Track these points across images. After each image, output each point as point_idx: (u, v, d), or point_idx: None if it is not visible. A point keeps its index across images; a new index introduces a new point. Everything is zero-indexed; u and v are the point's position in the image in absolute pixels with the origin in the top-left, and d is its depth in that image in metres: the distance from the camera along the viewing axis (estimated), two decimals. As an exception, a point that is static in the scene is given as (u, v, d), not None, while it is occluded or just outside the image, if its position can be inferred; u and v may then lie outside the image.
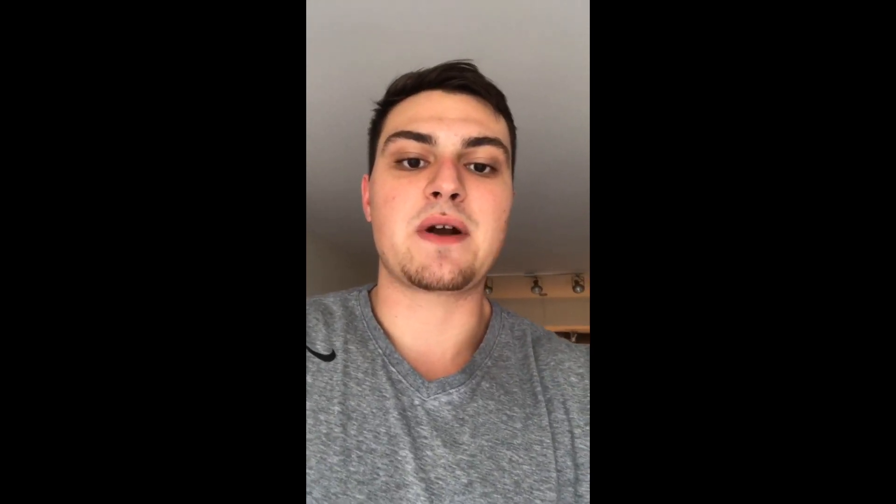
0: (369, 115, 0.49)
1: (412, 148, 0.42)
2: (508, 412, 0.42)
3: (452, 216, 0.40)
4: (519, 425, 0.42)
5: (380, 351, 0.45)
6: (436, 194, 0.40)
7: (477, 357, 0.46)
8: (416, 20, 1.02)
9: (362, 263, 3.70)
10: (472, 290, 0.47)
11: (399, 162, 0.42)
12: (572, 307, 5.16)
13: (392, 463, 0.38)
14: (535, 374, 0.46)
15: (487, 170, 0.43)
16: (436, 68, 0.44)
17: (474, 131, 0.41)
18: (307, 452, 0.38)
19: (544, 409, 0.43)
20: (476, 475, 0.39)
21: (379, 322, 0.47)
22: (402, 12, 0.99)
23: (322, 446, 0.39)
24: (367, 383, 0.42)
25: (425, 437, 0.40)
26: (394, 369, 0.43)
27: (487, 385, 0.44)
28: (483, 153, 0.42)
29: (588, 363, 0.46)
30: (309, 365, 0.43)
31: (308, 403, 0.41)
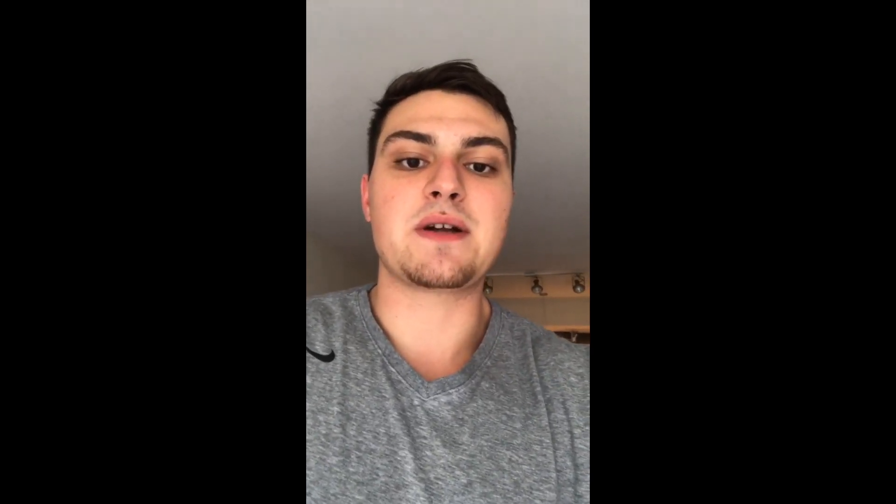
0: (369, 114, 0.49)
1: (412, 148, 0.42)
2: (508, 412, 0.42)
3: (452, 215, 0.40)
4: (518, 425, 0.42)
5: (379, 351, 0.45)
6: (435, 194, 0.40)
7: (476, 357, 0.45)
8: (417, 21, 1.02)
9: (362, 264, 3.70)
10: (472, 290, 0.46)
11: (398, 162, 0.42)
12: (573, 307, 5.16)
13: (391, 463, 0.38)
14: (535, 373, 0.46)
15: (487, 169, 0.43)
16: (435, 68, 0.44)
17: (474, 131, 0.41)
18: (306, 453, 0.38)
19: (544, 409, 0.43)
20: (475, 475, 0.39)
21: (378, 322, 0.47)
22: (402, 13, 0.99)
23: (321, 447, 0.39)
24: (367, 384, 0.42)
25: (425, 438, 0.40)
26: (393, 369, 0.43)
27: (487, 385, 0.44)
28: (483, 153, 0.42)
29: (588, 363, 0.46)
30: (308, 366, 0.43)
31: (307, 404, 0.41)
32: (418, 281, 0.40)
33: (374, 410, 0.41)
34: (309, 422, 0.40)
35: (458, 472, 0.38)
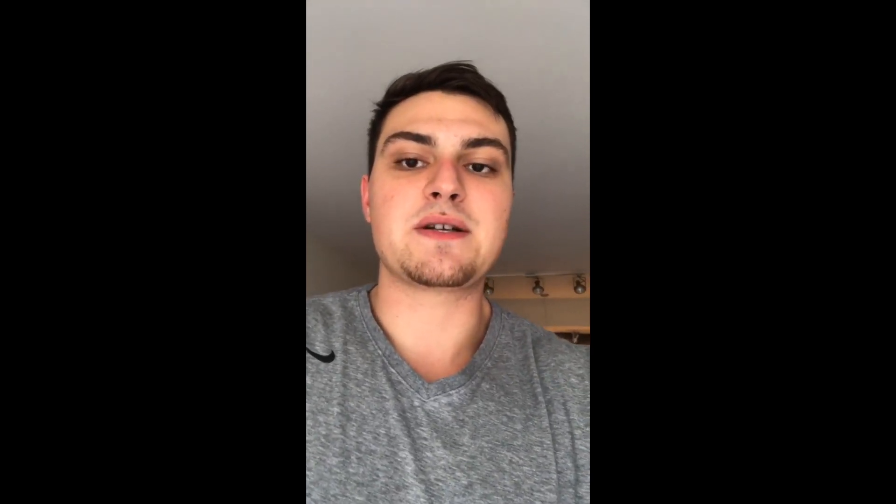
0: (369, 115, 0.49)
1: (411, 149, 0.42)
2: (508, 413, 0.42)
3: (452, 216, 0.40)
4: (519, 426, 0.42)
5: (379, 352, 0.45)
6: (435, 195, 0.40)
7: (477, 358, 0.45)
8: (417, 22, 1.02)
9: (362, 264, 3.70)
10: (473, 290, 0.46)
11: (398, 162, 0.42)
12: (574, 308, 5.15)
13: (392, 464, 0.38)
14: (536, 375, 0.45)
15: (486, 170, 0.43)
16: (435, 69, 0.44)
17: (474, 132, 0.41)
18: (306, 454, 0.38)
19: (544, 411, 0.43)
20: (476, 476, 0.38)
21: (378, 322, 0.47)
22: (402, 13, 0.99)
23: (321, 448, 0.39)
24: (367, 384, 0.42)
25: (425, 439, 0.40)
26: (393, 370, 0.43)
27: (487, 386, 0.44)
28: (482, 154, 0.42)
29: (588, 364, 0.46)
30: (308, 366, 0.43)
31: (307, 405, 0.41)
32: (418, 279, 0.40)
33: (374, 411, 0.41)
34: (309, 423, 0.40)
35: (458, 474, 0.38)
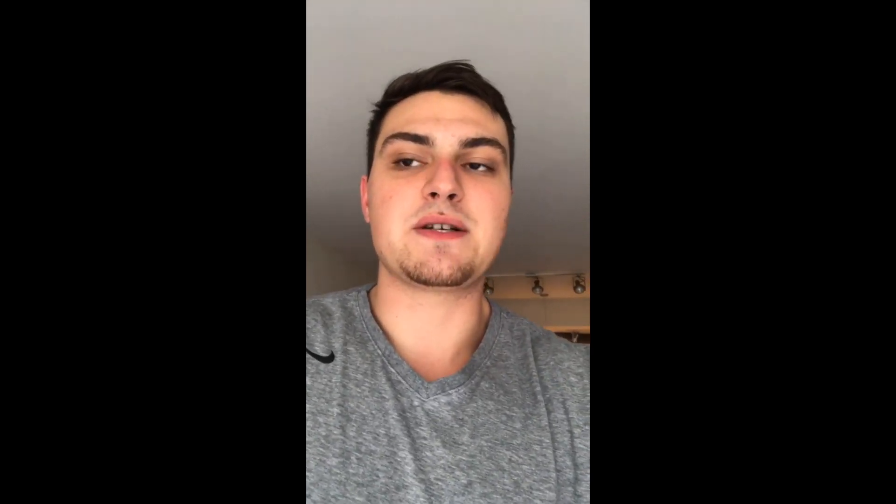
0: (369, 116, 0.49)
1: (410, 149, 0.42)
2: (508, 412, 0.42)
3: (450, 215, 0.40)
4: (518, 425, 0.42)
5: (379, 352, 0.45)
6: (434, 195, 0.40)
7: (476, 357, 0.45)
8: (417, 22, 1.02)
9: (362, 264, 3.70)
10: (472, 290, 0.46)
11: (397, 163, 0.43)
12: (573, 307, 5.16)
13: (391, 464, 0.38)
14: (535, 373, 0.45)
15: (484, 169, 0.43)
16: (433, 69, 0.44)
17: (472, 132, 0.41)
18: (306, 455, 0.38)
19: (544, 409, 0.43)
20: (476, 475, 0.38)
21: (378, 322, 0.47)
22: (402, 15, 1.00)
23: (321, 448, 0.39)
24: (367, 384, 0.42)
25: (425, 438, 0.40)
26: (393, 370, 0.43)
27: (487, 385, 0.44)
28: (480, 153, 0.42)
29: (587, 363, 0.46)
30: (308, 367, 0.43)
31: (307, 405, 0.41)
32: (417, 279, 0.40)
33: (373, 411, 0.41)
34: (309, 423, 0.40)
35: (458, 473, 0.38)
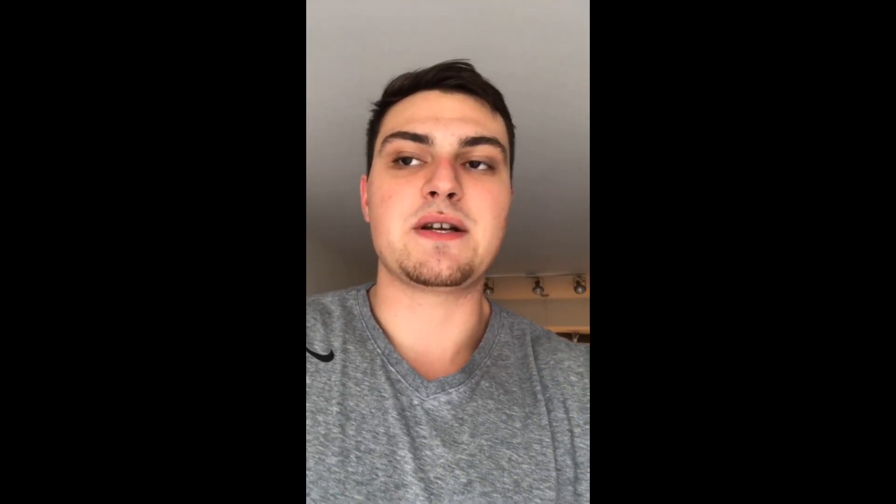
0: (368, 116, 0.49)
1: (409, 148, 0.42)
2: (508, 411, 0.42)
3: (450, 214, 0.40)
4: (518, 424, 0.42)
5: (378, 351, 0.45)
6: (433, 194, 0.40)
7: (476, 356, 0.45)
8: (417, 22, 1.02)
9: (363, 264, 3.70)
10: (472, 289, 0.46)
11: (396, 162, 0.43)
12: (574, 308, 5.15)
13: (391, 463, 0.38)
14: (535, 373, 0.45)
15: (484, 167, 0.43)
16: (432, 68, 0.44)
17: (471, 131, 0.41)
18: (305, 453, 0.38)
19: (544, 408, 0.43)
20: (475, 474, 0.38)
21: (378, 321, 0.47)
22: (402, 15, 1.00)
23: (320, 447, 0.39)
24: (366, 383, 0.42)
25: (424, 437, 0.40)
26: (393, 369, 0.43)
27: (487, 384, 0.44)
28: (480, 152, 0.42)
29: (587, 362, 0.46)
30: (307, 365, 0.43)
31: (306, 404, 0.41)
32: (416, 279, 0.40)
33: (373, 410, 0.41)
34: (308, 422, 0.40)
35: (457, 472, 0.38)
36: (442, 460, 0.39)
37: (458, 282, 0.41)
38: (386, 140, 0.43)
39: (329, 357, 0.44)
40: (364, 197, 0.49)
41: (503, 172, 0.44)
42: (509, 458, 0.40)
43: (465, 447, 0.40)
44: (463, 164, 0.42)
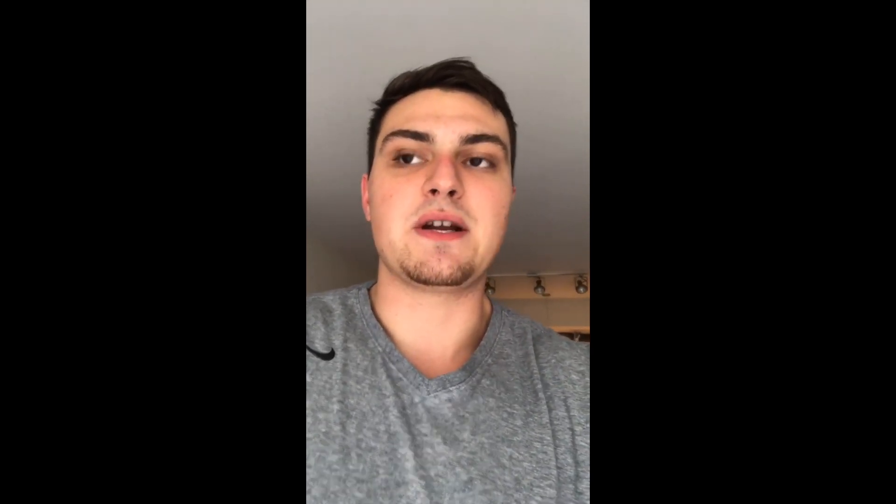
0: (369, 115, 0.49)
1: (410, 146, 0.42)
2: (509, 409, 0.42)
3: (451, 213, 0.40)
4: (519, 422, 0.42)
5: (379, 349, 0.45)
6: (434, 192, 0.40)
7: (477, 354, 0.45)
8: (417, 22, 1.02)
9: (363, 264, 3.70)
10: (473, 288, 0.47)
11: (397, 160, 0.43)
12: (575, 308, 5.15)
13: (392, 461, 0.38)
14: (536, 371, 0.46)
15: (485, 164, 0.43)
16: (433, 67, 0.44)
17: (472, 128, 0.41)
18: (306, 451, 0.38)
19: (545, 407, 0.43)
20: (476, 472, 0.38)
21: (379, 320, 0.47)
22: (402, 14, 1.00)
23: (321, 445, 0.39)
24: (367, 381, 0.42)
25: (425, 435, 0.40)
26: (393, 367, 0.43)
27: (488, 382, 0.44)
28: (481, 150, 0.42)
29: (588, 361, 0.46)
30: (308, 364, 0.43)
31: (307, 402, 0.41)
32: (417, 279, 0.41)
33: (374, 408, 0.41)
34: (309, 420, 0.40)
35: (458, 469, 0.38)
36: (443, 458, 0.39)
37: (459, 281, 0.41)
38: (387, 138, 0.43)
39: (330, 355, 0.44)
40: (365, 196, 0.50)
41: (504, 170, 0.44)
42: (510, 456, 0.40)
43: (466, 445, 0.40)
44: (464, 162, 0.42)
